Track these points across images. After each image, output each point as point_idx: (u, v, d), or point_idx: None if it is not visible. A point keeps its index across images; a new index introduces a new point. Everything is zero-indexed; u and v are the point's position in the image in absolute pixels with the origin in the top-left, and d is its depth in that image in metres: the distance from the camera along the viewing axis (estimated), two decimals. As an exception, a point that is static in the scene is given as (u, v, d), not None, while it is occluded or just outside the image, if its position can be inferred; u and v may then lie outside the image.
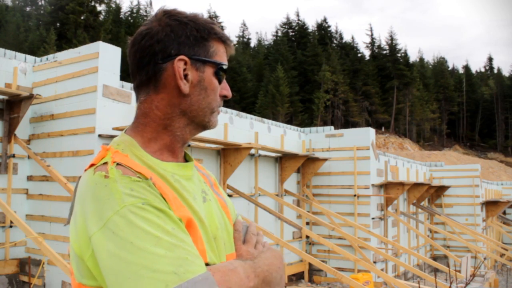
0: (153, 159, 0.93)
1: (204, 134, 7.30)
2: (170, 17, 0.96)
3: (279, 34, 70.18)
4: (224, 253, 0.96)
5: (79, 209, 0.86)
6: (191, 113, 0.97)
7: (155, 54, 0.94)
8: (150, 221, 0.79)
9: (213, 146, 7.69)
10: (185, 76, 0.95)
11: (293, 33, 69.59)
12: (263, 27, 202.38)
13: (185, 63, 0.94)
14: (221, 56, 1.00)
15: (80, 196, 0.87)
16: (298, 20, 71.07)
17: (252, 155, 8.81)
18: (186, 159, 1.06)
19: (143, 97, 0.97)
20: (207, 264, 0.87)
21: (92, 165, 0.90)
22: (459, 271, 8.28)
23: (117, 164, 0.87)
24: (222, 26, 1.33)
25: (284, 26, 71.06)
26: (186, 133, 1.00)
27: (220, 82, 1.00)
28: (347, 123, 52.69)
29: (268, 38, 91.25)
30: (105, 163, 0.88)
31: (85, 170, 0.92)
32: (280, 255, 1.03)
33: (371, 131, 10.51)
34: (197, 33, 0.96)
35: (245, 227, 1.08)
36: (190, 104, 0.96)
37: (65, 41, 39.68)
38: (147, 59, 0.94)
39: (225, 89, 1.02)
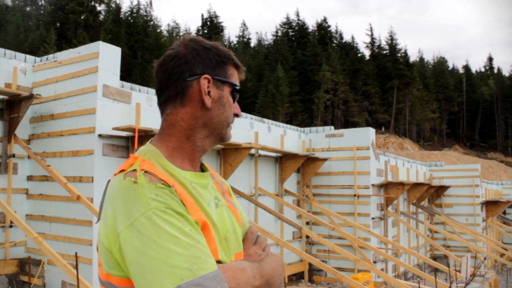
0: (175, 168, 1.05)
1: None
2: (196, 43, 1.12)
3: (279, 34, 70.13)
4: (233, 252, 1.08)
5: (109, 208, 0.97)
6: (212, 125, 1.11)
7: (183, 73, 1.08)
8: (171, 223, 0.91)
9: (213, 146, 7.69)
10: (208, 92, 1.09)
11: (293, 33, 69.50)
12: (263, 27, 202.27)
13: (209, 81, 1.09)
14: (235, 79, 1.16)
15: (111, 197, 0.98)
16: (298, 20, 71.03)
17: (252, 155, 8.81)
18: (202, 169, 1.17)
19: (169, 110, 1.10)
20: (219, 262, 0.98)
21: (121, 170, 1.02)
22: (459, 271, 8.28)
23: (145, 171, 0.98)
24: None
25: (284, 26, 71.02)
26: (206, 144, 1.12)
27: (234, 101, 1.16)
28: (347, 123, 52.66)
29: (268, 38, 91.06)
30: (134, 170, 0.99)
31: (115, 174, 1.03)
32: (282, 261, 1.16)
33: (371, 131, 10.51)
34: (218, 58, 1.12)
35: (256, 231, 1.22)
36: (211, 117, 1.10)
37: (65, 41, 39.65)
38: (176, 76, 1.09)
39: (237, 108, 1.18)
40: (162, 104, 1.13)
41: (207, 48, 1.11)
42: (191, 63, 1.08)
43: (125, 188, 0.96)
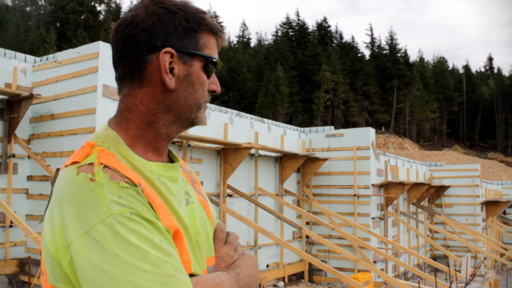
0: (139, 158, 0.87)
1: (204, 134, 7.29)
2: (157, 4, 0.89)
3: (279, 34, 70.13)
4: (205, 258, 0.93)
5: (57, 210, 0.79)
6: (177, 109, 0.91)
7: (139, 44, 0.87)
8: (137, 233, 0.74)
9: (213, 146, 7.69)
10: (171, 70, 0.88)
11: (293, 33, 69.55)
12: (263, 27, 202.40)
13: (172, 56, 0.88)
14: (211, 49, 0.94)
15: (59, 196, 0.80)
16: (298, 20, 71.07)
17: (252, 155, 8.81)
18: (170, 157, 0.99)
19: (126, 90, 0.92)
20: (191, 275, 0.84)
21: (74, 162, 0.82)
22: (459, 271, 8.28)
23: (104, 166, 0.80)
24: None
25: (284, 26, 71.05)
26: (172, 131, 0.93)
27: (209, 76, 0.94)
28: (347, 123, 52.65)
29: (268, 38, 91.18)
30: (91, 163, 0.81)
31: (66, 165, 0.84)
32: (256, 263, 1.01)
33: (371, 131, 10.51)
34: (186, 24, 0.89)
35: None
36: (175, 100, 0.90)
37: (65, 41, 39.67)
38: (131, 49, 0.88)
39: (214, 83, 0.96)
40: (118, 82, 0.94)
41: (172, 11, 0.88)
42: (149, 32, 0.87)
43: (79, 186, 0.77)
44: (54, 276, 0.80)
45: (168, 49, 0.87)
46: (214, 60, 0.94)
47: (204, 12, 0.93)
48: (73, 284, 0.78)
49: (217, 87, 0.96)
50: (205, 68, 0.92)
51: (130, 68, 0.89)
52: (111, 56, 0.95)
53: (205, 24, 0.92)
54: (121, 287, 0.70)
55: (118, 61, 0.91)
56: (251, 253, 8.02)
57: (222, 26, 0.97)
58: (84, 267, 0.73)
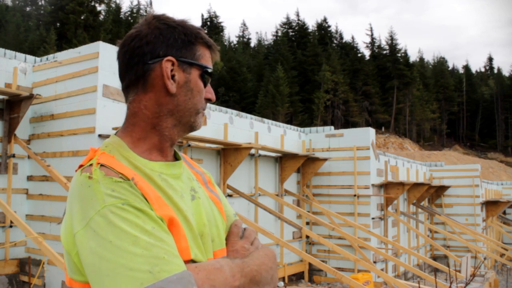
0: (141, 159, 0.97)
1: (204, 134, 7.29)
2: (159, 20, 1.01)
3: (279, 34, 70.13)
4: (211, 250, 0.99)
5: (68, 208, 0.91)
6: (178, 113, 1.01)
7: (144, 55, 0.99)
8: (129, 221, 0.83)
9: (213, 146, 7.69)
10: (172, 76, 0.99)
11: (293, 33, 69.52)
12: (263, 27, 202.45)
13: (173, 64, 0.99)
14: (207, 60, 1.05)
15: (69, 195, 0.92)
16: (298, 20, 71.03)
17: (252, 155, 8.81)
18: (176, 157, 1.08)
19: (132, 97, 1.02)
20: (192, 261, 0.91)
21: (81, 166, 0.95)
22: (459, 271, 8.28)
23: (101, 165, 0.90)
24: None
25: (284, 26, 71.03)
26: (174, 134, 1.03)
27: (205, 85, 1.05)
28: (347, 123, 52.63)
29: (268, 38, 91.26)
30: (91, 164, 0.92)
31: (76, 170, 0.96)
32: (273, 254, 1.05)
33: (371, 131, 10.51)
34: (184, 37, 1.01)
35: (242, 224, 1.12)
36: (177, 104, 1.00)
37: (65, 41, 39.65)
38: (136, 59, 0.99)
39: (210, 92, 1.07)
40: (125, 91, 1.04)
41: (172, 26, 1.01)
42: (153, 43, 0.98)
43: (81, 184, 0.88)
44: (70, 268, 0.90)
45: (169, 57, 0.98)
46: (209, 70, 1.05)
47: (199, 28, 1.06)
48: (82, 273, 0.87)
49: (212, 95, 1.08)
50: (202, 77, 1.04)
51: (136, 76, 1.00)
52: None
53: (200, 38, 1.04)
54: (115, 269, 0.79)
55: (124, 72, 1.03)
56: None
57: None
58: (86, 254, 0.83)
